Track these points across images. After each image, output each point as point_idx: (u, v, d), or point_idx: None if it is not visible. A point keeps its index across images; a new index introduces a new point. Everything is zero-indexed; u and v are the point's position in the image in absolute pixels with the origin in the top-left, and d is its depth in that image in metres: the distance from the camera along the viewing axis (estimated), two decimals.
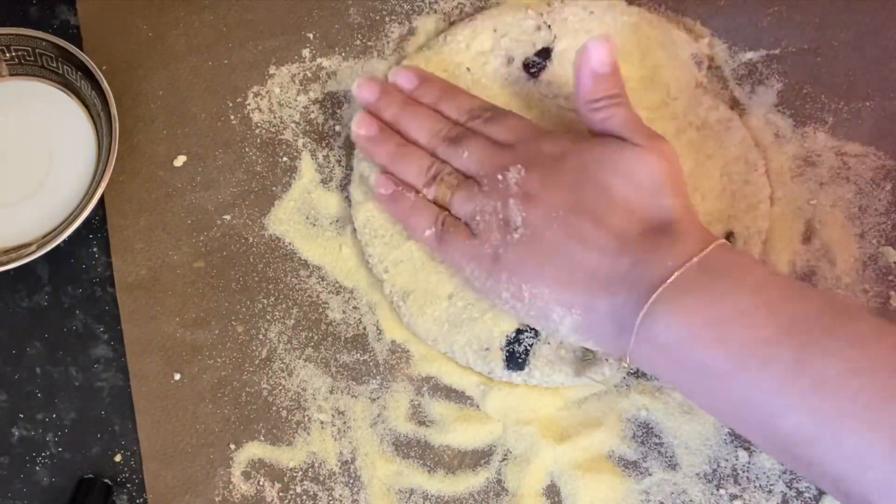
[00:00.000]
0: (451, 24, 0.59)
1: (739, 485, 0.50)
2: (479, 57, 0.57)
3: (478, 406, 0.53)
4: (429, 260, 0.54)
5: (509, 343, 0.52)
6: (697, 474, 0.51)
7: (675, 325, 0.43)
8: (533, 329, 0.52)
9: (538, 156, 0.50)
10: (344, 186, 0.56)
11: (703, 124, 0.55)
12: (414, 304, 0.53)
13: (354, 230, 0.55)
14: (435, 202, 0.52)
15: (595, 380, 0.51)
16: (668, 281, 0.44)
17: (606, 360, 0.51)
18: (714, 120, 0.55)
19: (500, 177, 0.49)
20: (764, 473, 0.51)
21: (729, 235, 0.53)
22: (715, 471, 0.51)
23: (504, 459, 0.52)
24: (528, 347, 0.52)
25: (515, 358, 0.52)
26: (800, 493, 0.50)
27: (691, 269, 0.44)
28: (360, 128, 0.54)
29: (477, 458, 0.52)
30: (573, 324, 0.47)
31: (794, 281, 0.47)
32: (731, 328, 0.43)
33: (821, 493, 0.50)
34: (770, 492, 0.50)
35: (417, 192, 0.53)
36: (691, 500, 0.51)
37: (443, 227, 0.51)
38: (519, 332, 0.52)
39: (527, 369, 0.52)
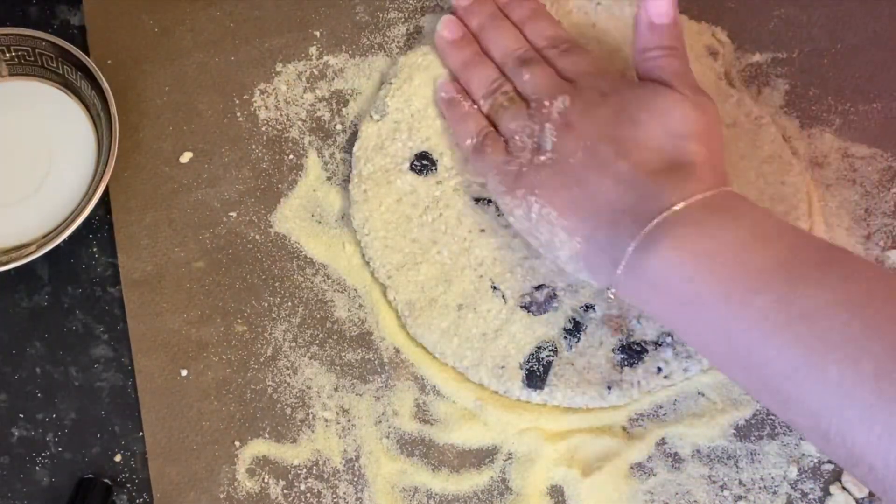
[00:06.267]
0: None
1: (744, 486, 0.50)
2: None
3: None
4: (433, 265, 0.53)
5: (528, 360, 0.51)
6: (702, 475, 0.51)
7: (668, 255, 0.43)
8: (551, 344, 0.52)
9: (587, 90, 0.50)
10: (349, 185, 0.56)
11: (734, 122, 0.54)
12: (421, 315, 0.53)
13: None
14: (487, 117, 0.54)
15: (620, 403, 0.51)
16: (665, 214, 0.44)
17: (638, 383, 0.51)
18: (744, 116, 0.54)
19: (546, 102, 0.51)
20: (769, 474, 0.51)
21: None
22: (719, 471, 0.51)
23: (508, 459, 0.52)
24: (547, 365, 0.51)
25: (535, 376, 0.51)
26: (804, 494, 0.50)
27: (693, 206, 0.44)
28: (445, 30, 0.56)
29: (481, 457, 0.52)
30: (571, 251, 0.48)
31: (794, 225, 0.47)
32: (723, 259, 0.42)
33: (826, 493, 0.50)
34: (775, 493, 0.50)
35: (475, 103, 0.54)
36: (695, 501, 0.51)
37: (483, 140, 0.53)
38: (539, 348, 0.52)
39: (547, 388, 0.51)
